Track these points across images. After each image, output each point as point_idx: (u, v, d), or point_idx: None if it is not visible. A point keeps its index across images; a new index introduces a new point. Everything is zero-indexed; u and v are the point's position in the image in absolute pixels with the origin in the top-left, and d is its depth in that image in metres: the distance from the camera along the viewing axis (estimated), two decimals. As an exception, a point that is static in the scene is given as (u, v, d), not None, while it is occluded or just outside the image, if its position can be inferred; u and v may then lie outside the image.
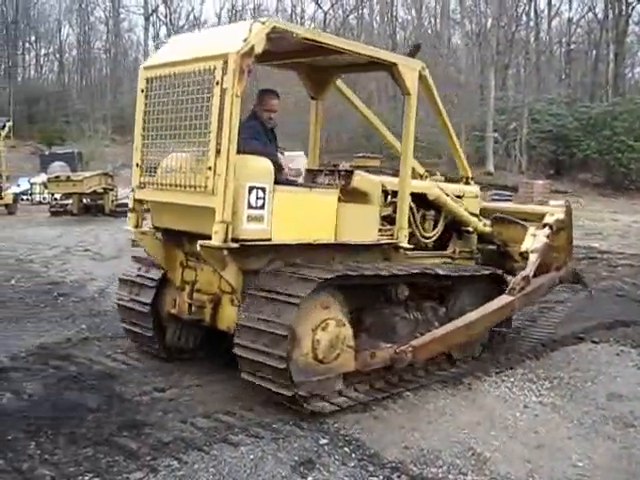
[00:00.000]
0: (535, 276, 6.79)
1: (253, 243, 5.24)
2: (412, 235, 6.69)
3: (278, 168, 5.59)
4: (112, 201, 23.03)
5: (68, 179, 22.31)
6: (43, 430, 4.70)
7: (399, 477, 4.37)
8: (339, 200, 5.92)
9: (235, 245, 5.06)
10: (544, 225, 7.22)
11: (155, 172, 5.63)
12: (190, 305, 5.95)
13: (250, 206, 5.16)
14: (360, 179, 6.30)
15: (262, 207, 5.24)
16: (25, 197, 30.20)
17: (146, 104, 5.69)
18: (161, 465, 4.24)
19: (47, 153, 42.96)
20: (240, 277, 5.47)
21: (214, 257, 5.19)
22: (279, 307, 5.10)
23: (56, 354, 6.62)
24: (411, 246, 6.52)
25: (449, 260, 7.34)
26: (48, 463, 4.26)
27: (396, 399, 5.73)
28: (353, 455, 4.65)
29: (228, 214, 4.99)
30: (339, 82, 7.41)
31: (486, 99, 40.55)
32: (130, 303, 6.49)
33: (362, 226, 6.12)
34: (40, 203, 28.96)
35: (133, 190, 5.95)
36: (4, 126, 26.64)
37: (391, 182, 6.52)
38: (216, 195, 4.98)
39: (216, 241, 4.97)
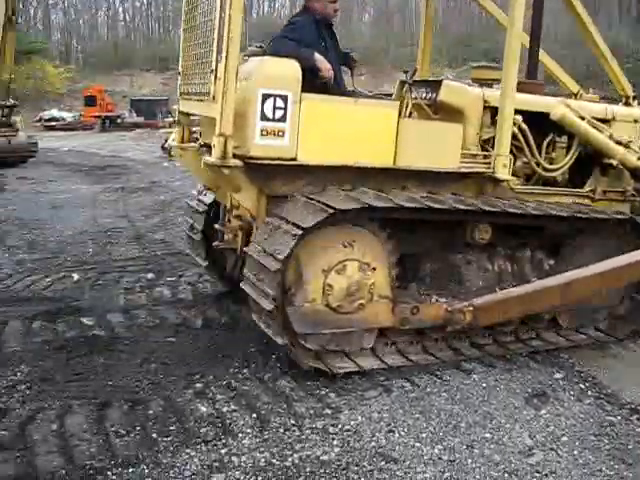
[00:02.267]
0: None
1: (270, 162, 4.45)
2: (527, 166, 5.56)
3: (314, 72, 4.69)
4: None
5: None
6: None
7: (639, 419, 4.14)
8: (402, 115, 4.98)
9: (236, 163, 4.33)
10: None
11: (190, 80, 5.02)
12: (222, 232, 5.44)
13: (265, 117, 4.38)
14: (449, 90, 5.27)
15: (282, 119, 4.42)
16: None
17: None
18: (394, 386, 4.37)
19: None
20: (261, 202, 4.70)
21: (222, 177, 4.50)
22: (280, 239, 4.32)
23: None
24: (512, 178, 5.27)
25: (586, 201, 5.78)
26: (287, 375, 4.51)
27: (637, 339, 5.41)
28: (589, 392, 4.53)
29: (227, 125, 4.25)
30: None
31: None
32: (188, 229, 6.19)
33: (435, 149, 4.91)
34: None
35: (178, 100, 5.40)
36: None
37: (522, 99, 5.40)
38: (216, 103, 4.30)
39: (213, 157, 4.28)
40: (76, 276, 6.79)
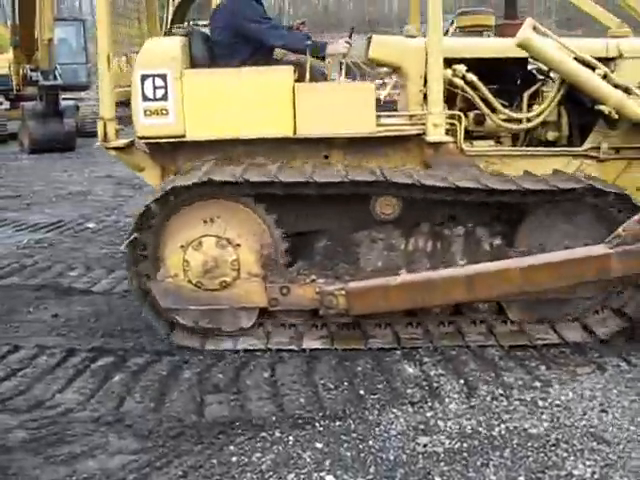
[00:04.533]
0: None
1: (159, 140, 4.50)
2: (482, 121, 4.70)
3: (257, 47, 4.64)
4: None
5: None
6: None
7: None
8: (298, 80, 4.53)
9: (118, 144, 4.60)
10: None
11: None
12: None
13: (146, 98, 4.40)
14: (379, 45, 4.69)
15: (164, 98, 4.41)
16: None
17: None
18: (609, 364, 4.18)
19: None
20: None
21: (124, 158, 4.74)
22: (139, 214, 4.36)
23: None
24: (448, 139, 4.51)
25: (586, 162, 4.66)
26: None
27: None
28: None
29: (104, 109, 4.57)
30: None
31: None
32: None
33: (343, 113, 4.41)
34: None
35: None
36: (452, 22, 27.30)
37: (455, 47, 4.71)
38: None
39: (99, 141, 4.58)
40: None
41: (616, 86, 4.44)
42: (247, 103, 4.43)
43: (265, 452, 3.27)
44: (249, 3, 4.74)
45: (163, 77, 4.40)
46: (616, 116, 4.45)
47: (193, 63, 4.67)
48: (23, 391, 3.96)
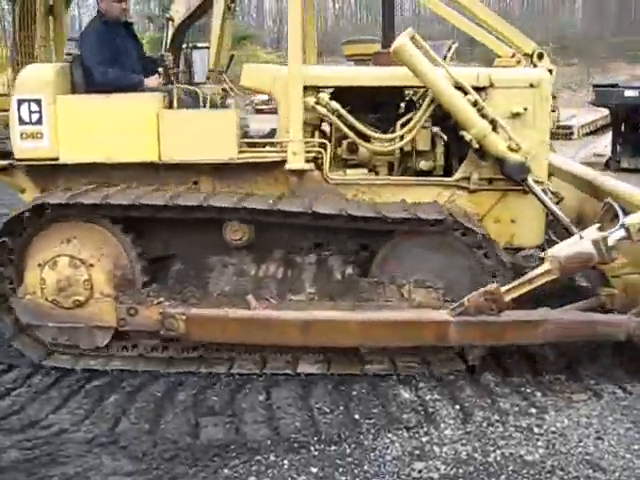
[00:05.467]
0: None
1: (35, 163, 4.61)
2: (355, 149, 4.70)
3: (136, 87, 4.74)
4: (553, 123, 22.51)
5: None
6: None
7: None
8: (169, 107, 4.66)
9: None
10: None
11: None
12: None
13: (23, 122, 4.54)
14: (248, 74, 4.76)
15: (39, 122, 4.54)
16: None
17: None
18: (605, 391, 4.17)
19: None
20: None
21: (5, 180, 4.84)
22: None
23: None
24: (307, 166, 4.50)
25: (457, 193, 4.59)
26: (491, 369, 4.39)
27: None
28: None
29: None
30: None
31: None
32: None
33: (205, 139, 4.49)
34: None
35: None
36: (450, 48, 27.68)
37: (326, 74, 4.79)
38: None
39: None
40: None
41: (484, 116, 4.40)
42: (115, 128, 4.54)
43: (260, 476, 3.27)
44: (90, 41, 4.83)
45: (38, 102, 4.54)
46: (476, 145, 4.42)
47: (74, 89, 4.79)
48: (17, 411, 3.95)
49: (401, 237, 4.40)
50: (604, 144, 15.70)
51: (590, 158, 14.73)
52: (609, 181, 4.80)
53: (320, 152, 4.56)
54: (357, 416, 3.81)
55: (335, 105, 4.57)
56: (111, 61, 4.77)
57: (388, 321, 4.08)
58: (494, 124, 4.41)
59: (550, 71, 4.82)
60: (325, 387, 4.15)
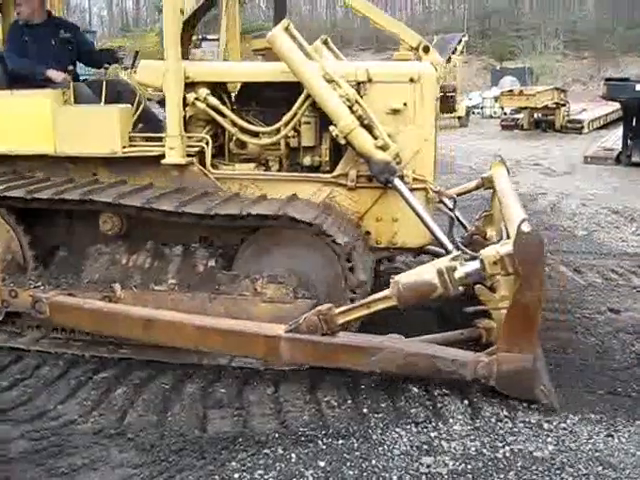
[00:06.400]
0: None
1: None
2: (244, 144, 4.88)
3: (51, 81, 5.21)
4: (563, 117, 22.48)
5: (521, 93, 22.30)
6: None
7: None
8: (65, 102, 4.92)
9: None
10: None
11: None
12: None
13: None
14: (143, 69, 4.94)
15: None
16: (476, 111, 31.13)
17: None
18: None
19: (498, 68, 43.53)
20: None
21: None
22: None
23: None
24: (180, 160, 4.64)
25: (337, 190, 4.61)
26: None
27: None
28: None
29: None
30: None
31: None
32: None
33: (93, 134, 4.75)
34: (490, 117, 29.59)
35: None
36: (460, 41, 27.62)
37: (206, 70, 4.88)
38: None
39: None
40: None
41: (354, 112, 4.32)
42: (17, 122, 4.90)
43: (268, 469, 3.25)
44: (7, 39, 5.53)
45: None
46: (343, 141, 4.38)
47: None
48: (25, 401, 3.95)
49: (262, 233, 4.45)
50: (615, 138, 15.66)
51: (600, 152, 14.70)
52: (507, 203, 4.51)
53: (202, 147, 4.72)
54: (365, 410, 3.79)
55: (213, 101, 4.71)
56: (20, 54, 5.32)
57: (222, 329, 4.05)
58: (362, 120, 4.33)
59: (439, 66, 4.81)
60: (333, 381, 4.13)
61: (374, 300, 3.90)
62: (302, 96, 4.53)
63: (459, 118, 25.80)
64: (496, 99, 26.96)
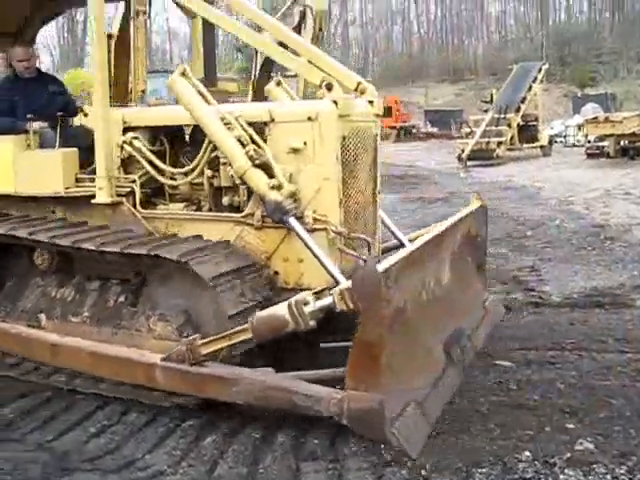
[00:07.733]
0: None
1: None
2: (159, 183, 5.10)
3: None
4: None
5: (606, 120, 21.64)
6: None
7: None
8: (28, 147, 5.43)
9: None
10: None
11: None
12: None
13: None
14: (86, 115, 5.38)
15: None
16: (559, 139, 30.50)
17: None
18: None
19: (579, 95, 42.74)
20: None
21: None
22: None
23: (609, 298, 6.56)
24: (106, 200, 4.98)
25: (247, 229, 4.64)
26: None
27: None
28: None
29: None
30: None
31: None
32: None
33: (41, 176, 5.27)
34: (574, 145, 28.95)
35: None
36: (540, 70, 27.20)
37: (134, 115, 5.18)
38: None
39: None
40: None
41: (247, 153, 4.38)
42: None
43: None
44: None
45: None
46: (238, 181, 4.50)
47: None
48: (112, 450, 3.84)
49: (159, 272, 4.60)
50: None
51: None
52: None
53: (132, 187, 4.99)
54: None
55: (137, 143, 5.00)
56: (7, 111, 5.64)
57: (110, 356, 4.35)
58: (254, 160, 4.39)
59: (337, 102, 4.50)
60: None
61: (234, 332, 3.93)
62: (207, 139, 4.64)
63: (542, 147, 25.32)
64: (579, 127, 26.33)
